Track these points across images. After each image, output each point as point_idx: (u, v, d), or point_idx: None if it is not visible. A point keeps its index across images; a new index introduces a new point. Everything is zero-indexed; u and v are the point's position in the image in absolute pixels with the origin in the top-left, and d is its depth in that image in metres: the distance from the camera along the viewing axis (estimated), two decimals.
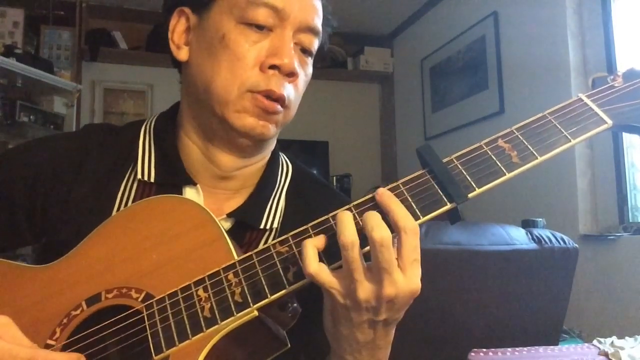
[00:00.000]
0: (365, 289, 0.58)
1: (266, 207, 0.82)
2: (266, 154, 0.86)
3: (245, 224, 0.80)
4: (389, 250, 0.56)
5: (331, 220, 0.62)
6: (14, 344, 0.57)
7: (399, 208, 0.59)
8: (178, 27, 0.81)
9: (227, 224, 0.79)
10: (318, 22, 0.79)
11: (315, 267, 0.58)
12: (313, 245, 0.59)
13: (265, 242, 0.81)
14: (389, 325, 0.63)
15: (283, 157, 0.91)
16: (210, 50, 0.76)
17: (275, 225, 0.82)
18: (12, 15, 3.30)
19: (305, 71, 0.80)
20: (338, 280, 0.59)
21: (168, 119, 0.86)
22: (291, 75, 0.75)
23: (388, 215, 0.59)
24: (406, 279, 0.58)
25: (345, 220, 0.58)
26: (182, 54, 0.81)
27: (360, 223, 0.59)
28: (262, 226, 0.81)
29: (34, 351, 0.57)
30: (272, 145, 0.86)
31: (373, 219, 0.57)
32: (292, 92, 0.77)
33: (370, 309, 0.59)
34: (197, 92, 0.79)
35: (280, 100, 0.75)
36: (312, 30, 0.78)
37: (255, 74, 0.74)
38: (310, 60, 0.81)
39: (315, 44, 0.80)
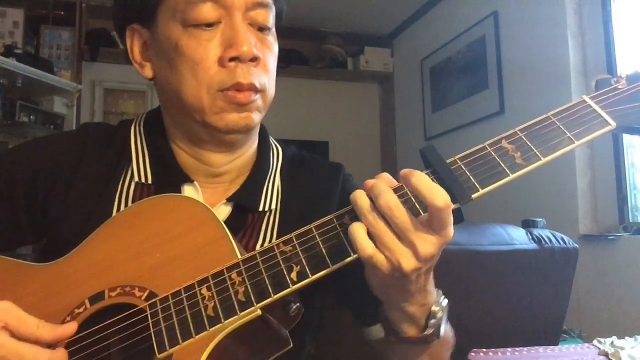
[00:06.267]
0: (406, 257, 0.58)
1: (262, 189, 0.83)
2: (254, 140, 0.86)
3: (245, 207, 0.81)
4: (399, 210, 0.57)
5: (335, 221, 0.62)
6: (21, 342, 0.57)
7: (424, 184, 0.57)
8: (135, 46, 0.81)
9: (227, 209, 0.80)
10: None
11: (372, 248, 0.58)
12: (362, 226, 0.59)
13: (267, 223, 0.82)
14: (431, 269, 0.64)
15: (272, 141, 0.91)
16: (169, 62, 0.75)
17: (273, 206, 0.83)
18: (12, 15, 3.29)
19: (269, 48, 0.78)
20: (385, 258, 0.58)
21: (157, 119, 0.85)
22: (254, 59, 0.74)
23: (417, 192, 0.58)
24: (439, 233, 0.58)
25: (359, 196, 0.59)
26: (147, 72, 0.81)
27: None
28: (260, 208, 0.82)
29: (37, 352, 0.58)
30: (257, 129, 0.86)
31: (377, 187, 0.59)
32: (261, 75, 0.76)
33: (416, 270, 0.59)
34: (173, 104, 0.79)
35: (252, 88, 0.74)
36: (261, 5, 0.75)
37: (218, 72, 0.73)
38: (270, 36, 0.79)
39: (270, 17, 0.77)
